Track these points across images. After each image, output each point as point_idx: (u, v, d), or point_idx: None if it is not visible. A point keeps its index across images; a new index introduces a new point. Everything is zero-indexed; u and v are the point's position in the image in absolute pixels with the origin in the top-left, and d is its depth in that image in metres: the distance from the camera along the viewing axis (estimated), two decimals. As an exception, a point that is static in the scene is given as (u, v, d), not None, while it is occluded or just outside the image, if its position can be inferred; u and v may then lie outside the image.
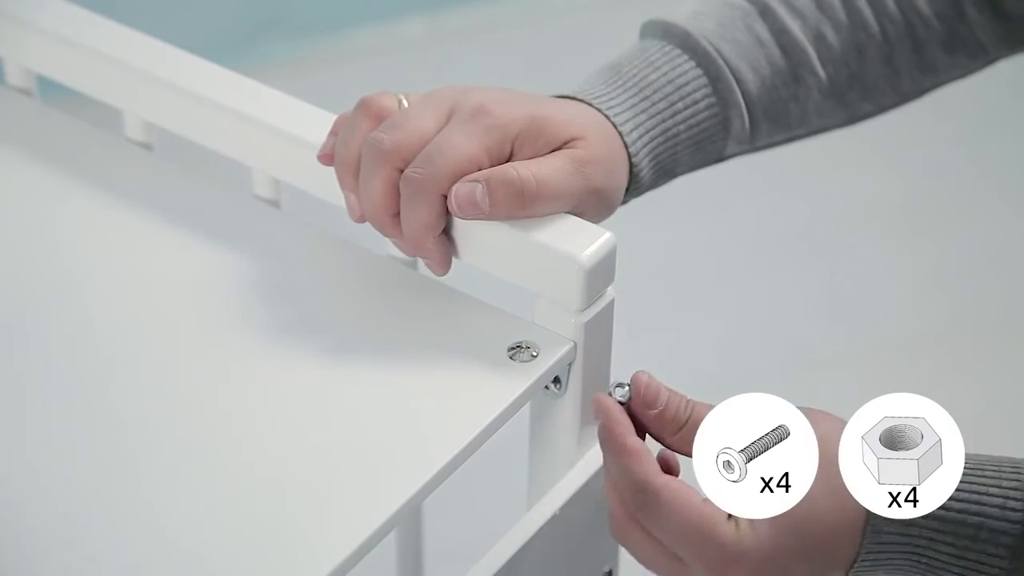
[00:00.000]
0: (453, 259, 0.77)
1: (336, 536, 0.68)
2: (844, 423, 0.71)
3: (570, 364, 0.76)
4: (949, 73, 0.90)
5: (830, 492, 0.69)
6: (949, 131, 2.18)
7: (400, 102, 0.77)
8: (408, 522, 1.00)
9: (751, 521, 0.69)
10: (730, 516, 0.70)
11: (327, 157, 0.78)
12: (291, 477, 0.71)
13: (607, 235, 0.75)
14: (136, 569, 0.67)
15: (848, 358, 1.91)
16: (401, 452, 0.71)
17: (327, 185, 0.79)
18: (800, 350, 1.92)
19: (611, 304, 0.76)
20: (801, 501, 0.69)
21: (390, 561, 1.02)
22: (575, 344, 0.76)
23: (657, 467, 0.70)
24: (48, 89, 0.95)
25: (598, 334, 0.76)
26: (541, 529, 0.77)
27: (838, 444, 0.69)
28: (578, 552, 0.81)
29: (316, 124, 0.82)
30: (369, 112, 0.76)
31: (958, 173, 2.20)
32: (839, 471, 0.69)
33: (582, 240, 0.74)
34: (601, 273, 0.74)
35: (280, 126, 0.83)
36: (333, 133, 0.79)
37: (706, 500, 0.70)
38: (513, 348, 0.76)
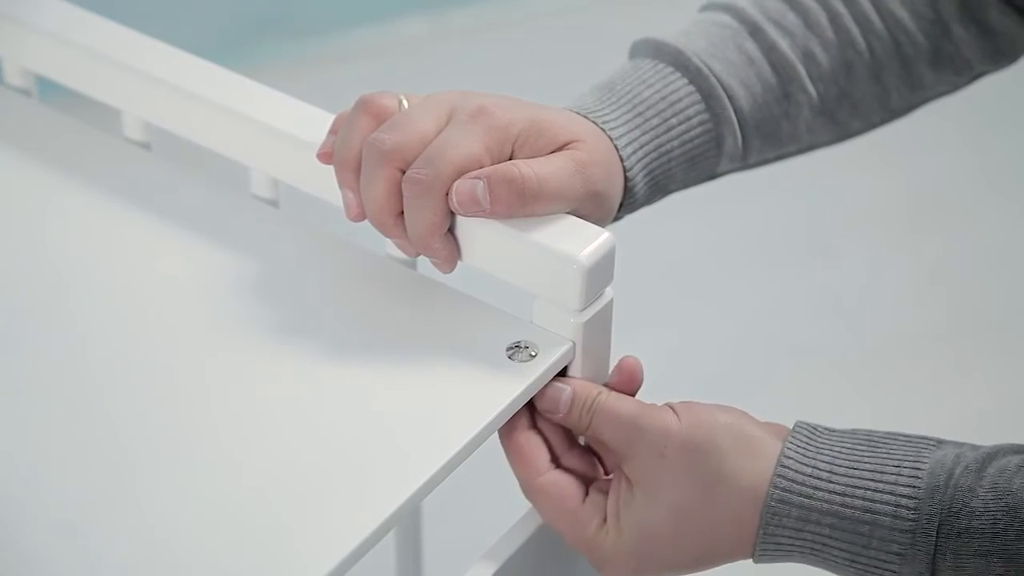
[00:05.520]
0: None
1: (335, 536, 0.68)
2: (715, 417, 0.74)
3: (569, 364, 0.77)
4: (935, 89, 0.91)
5: (703, 494, 0.73)
6: (949, 131, 2.19)
7: (400, 102, 0.77)
8: (407, 522, 1.00)
9: (614, 523, 0.74)
10: (605, 520, 0.75)
11: (326, 156, 0.78)
12: (289, 477, 0.71)
13: (606, 235, 0.75)
14: (133, 570, 0.67)
15: (848, 358, 1.91)
16: (400, 452, 0.71)
17: (326, 185, 0.79)
18: (800, 350, 1.92)
19: (610, 304, 0.76)
20: (651, 507, 0.73)
21: (389, 561, 1.02)
22: (574, 344, 0.76)
23: (540, 466, 0.76)
24: (47, 89, 0.95)
25: (597, 334, 0.76)
26: (539, 529, 0.77)
27: (709, 440, 0.73)
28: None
29: (316, 124, 0.82)
30: (369, 111, 0.76)
31: (958, 173, 2.20)
32: (718, 471, 0.73)
33: (581, 240, 0.74)
34: (600, 273, 0.74)
35: (279, 126, 0.83)
36: (332, 132, 0.79)
37: (585, 500, 0.75)
38: (512, 348, 0.76)
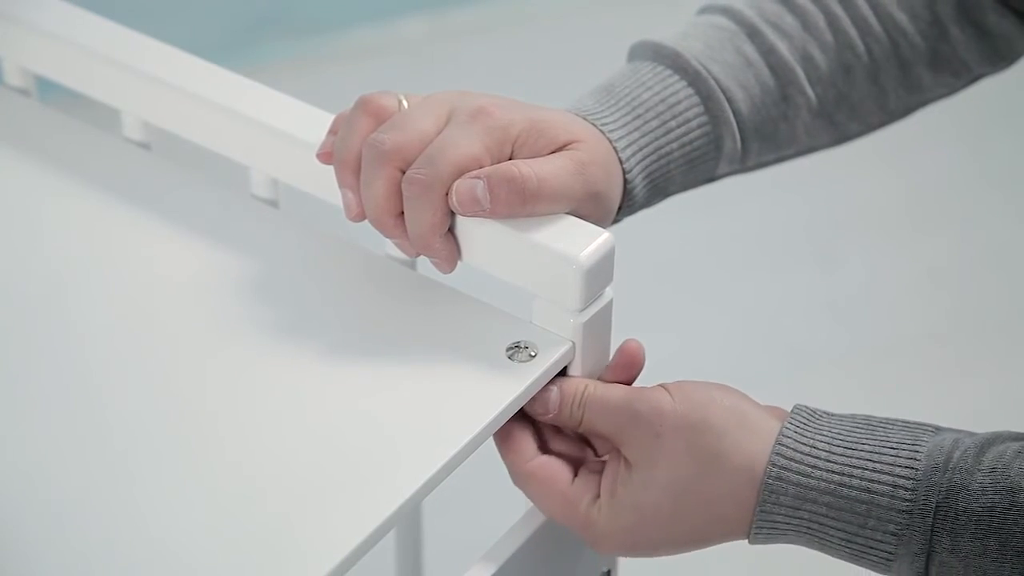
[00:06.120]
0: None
1: (335, 536, 0.68)
2: (711, 395, 0.74)
3: (568, 364, 0.77)
4: (934, 91, 0.91)
5: (700, 472, 0.73)
6: (950, 131, 2.19)
7: (400, 102, 0.77)
8: (407, 522, 1.00)
9: (608, 500, 0.74)
10: (597, 496, 0.75)
11: (326, 156, 0.78)
12: (289, 476, 0.71)
13: (605, 235, 0.75)
14: (132, 571, 0.67)
15: (848, 358, 1.91)
16: (400, 452, 0.71)
17: (326, 185, 0.79)
18: (801, 350, 1.92)
19: (610, 304, 0.76)
20: (648, 487, 0.73)
21: (389, 561, 1.02)
22: (573, 344, 0.76)
23: (528, 453, 0.76)
24: (46, 89, 0.95)
25: (597, 334, 0.76)
26: (539, 529, 0.77)
27: (704, 419, 0.73)
28: (576, 552, 0.81)
29: (315, 124, 0.82)
30: (368, 110, 0.76)
31: (959, 173, 2.20)
32: (715, 448, 0.73)
33: (581, 240, 0.74)
34: (600, 273, 0.74)
35: (279, 126, 0.83)
36: (332, 132, 0.79)
37: (575, 480, 0.75)
38: (512, 348, 0.76)
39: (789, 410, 0.75)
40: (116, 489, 0.70)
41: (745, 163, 0.86)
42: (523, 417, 0.76)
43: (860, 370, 1.89)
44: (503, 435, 0.76)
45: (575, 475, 0.76)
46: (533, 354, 0.76)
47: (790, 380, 1.86)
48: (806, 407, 0.74)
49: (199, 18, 2.31)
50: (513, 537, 0.77)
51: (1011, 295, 2.01)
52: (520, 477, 0.76)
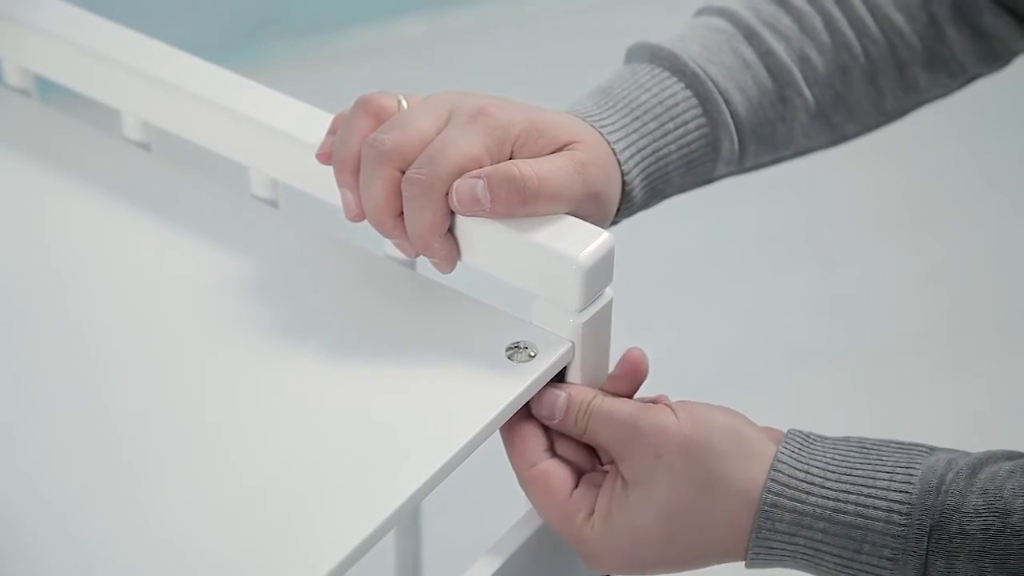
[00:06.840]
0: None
1: (334, 536, 0.68)
2: (714, 417, 0.74)
3: (568, 364, 0.77)
4: (930, 92, 0.91)
5: (697, 495, 0.73)
6: (950, 130, 2.19)
7: (400, 103, 0.77)
8: (407, 522, 1.00)
9: (602, 519, 0.74)
10: (592, 512, 0.75)
11: (325, 156, 0.78)
12: (290, 476, 0.71)
13: (605, 235, 0.75)
14: (133, 570, 0.67)
15: (848, 358, 1.91)
16: (399, 452, 0.72)
17: (326, 185, 0.79)
18: (800, 350, 1.92)
19: (609, 304, 0.76)
20: (644, 507, 0.73)
21: (388, 561, 1.02)
22: (573, 344, 0.76)
23: (534, 456, 0.76)
24: (46, 89, 0.95)
25: (596, 334, 0.76)
26: (539, 529, 0.77)
27: (707, 441, 0.73)
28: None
29: (315, 124, 0.82)
30: (368, 110, 0.76)
31: (959, 172, 2.20)
32: (716, 471, 0.73)
33: (580, 240, 0.74)
34: (599, 273, 0.75)
35: (279, 126, 0.83)
36: (331, 132, 0.79)
37: (574, 492, 0.75)
38: (511, 348, 0.76)
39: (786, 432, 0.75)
40: (117, 489, 0.70)
41: (743, 164, 0.87)
42: (532, 417, 0.77)
43: (860, 370, 1.89)
44: (511, 436, 0.76)
45: (577, 484, 0.76)
46: (533, 354, 0.76)
47: (789, 379, 1.86)
48: (799, 432, 0.74)
49: (199, 18, 2.31)
50: (519, 531, 0.77)
51: (1011, 295, 2.01)
52: (522, 481, 0.76)
